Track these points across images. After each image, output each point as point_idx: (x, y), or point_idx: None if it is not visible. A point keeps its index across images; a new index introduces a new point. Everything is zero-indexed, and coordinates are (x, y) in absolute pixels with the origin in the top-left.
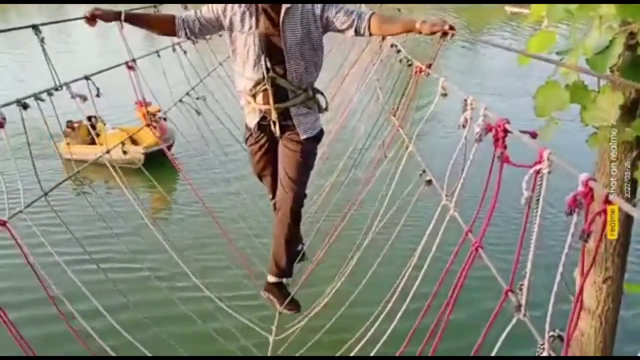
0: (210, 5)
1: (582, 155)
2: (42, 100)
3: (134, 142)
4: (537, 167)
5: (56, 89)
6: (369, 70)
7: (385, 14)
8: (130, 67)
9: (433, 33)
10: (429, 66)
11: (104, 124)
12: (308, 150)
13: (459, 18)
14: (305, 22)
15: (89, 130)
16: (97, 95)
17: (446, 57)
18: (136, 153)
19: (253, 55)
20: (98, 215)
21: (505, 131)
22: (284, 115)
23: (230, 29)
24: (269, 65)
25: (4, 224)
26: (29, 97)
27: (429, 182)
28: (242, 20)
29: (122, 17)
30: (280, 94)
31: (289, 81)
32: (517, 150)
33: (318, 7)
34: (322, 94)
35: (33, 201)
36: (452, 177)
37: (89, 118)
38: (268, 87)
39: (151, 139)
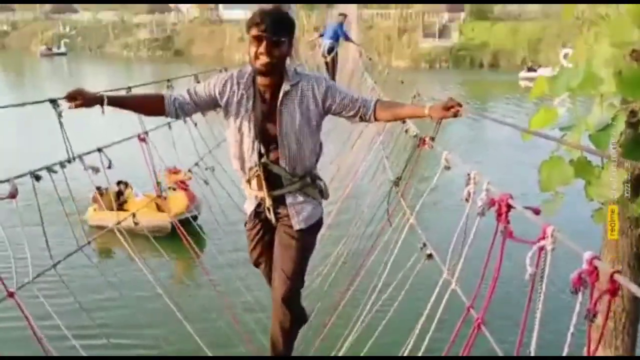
0: (206, 83)
1: (587, 228)
2: (55, 172)
3: (162, 209)
4: (541, 243)
5: (69, 161)
6: (375, 140)
7: (389, 91)
8: (142, 140)
9: (443, 116)
10: (433, 139)
11: (132, 190)
12: (304, 241)
13: (463, 92)
14: (305, 107)
15: (116, 196)
16: (109, 167)
17: (451, 127)
18: (163, 221)
19: (248, 139)
20: (109, 283)
21: (509, 206)
22: (279, 203)
23: (226, 110)
24: (262, 150)
25: (11, 295)
26: (41, 169)
27: (430, 255)
28: (239, 102)
29: (105, 102)
30: (274, 181)
31: (282, 168)
32: (519, 223)
33: (320, 92)
34: (321, 180)
35: (42, 272)
36: (453, 250)
37: (118, 183)
38: (260, 173)
39: (179, 207)
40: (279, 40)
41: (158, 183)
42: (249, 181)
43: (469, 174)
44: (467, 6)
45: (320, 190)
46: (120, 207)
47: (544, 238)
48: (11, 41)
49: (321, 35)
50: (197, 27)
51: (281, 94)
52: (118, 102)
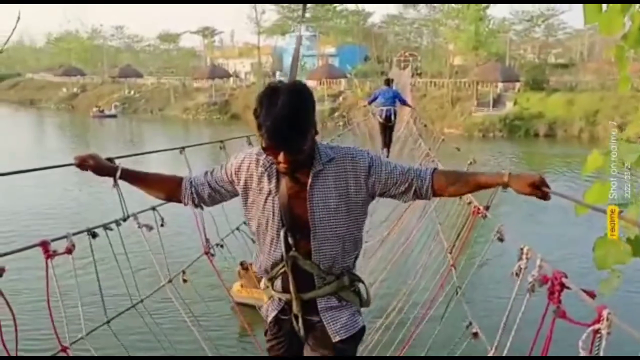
0: (224, 165)
1: None
2: (111, 229)
3: None
4: (596, 326)
5: (124, 220)
6: (429, 204)
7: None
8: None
9: (527, 193)
10: (487, 208)
11: None
12: (342, 356)
13: (517, 161)
14: (343, 188)
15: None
16: (162, 225)
17: (506, 198)
18: None
19: (272, 227)
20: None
21: (562, 285)
22: (310, 308)
23: (245, 193)
24: (290, 241)
25: (65, 349)
26: (98, 227)
27: (475, 334)
28: (260, 182)
29: (118, 174)
30: (304, 280)
31: (315, 264)
32: (569, 298)
33: (361, 168)
34: (361, 281)
35: (95, 328)
36: (496, 323)
37: (241, 264)
38: (288, 270)
39: None
40: (299, 149)
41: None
42: (271, 280)
43: (521, 248)
44: (523, 77)
45: (358, 294)
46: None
47: (599, 321)
48: (79, 103)
49: (371, 102)
50: (254, 92)
51: (312, 174)
52: (132, 177)
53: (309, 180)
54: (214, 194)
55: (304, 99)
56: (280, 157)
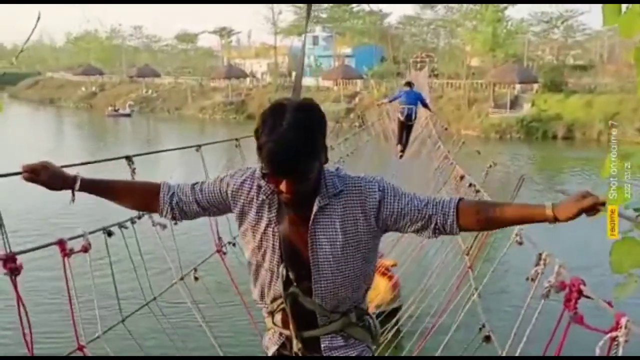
0: (217, 179)
1: None
2: (126, 227)
3: None
4: (613, 334)
5: (139, 218)
6: None
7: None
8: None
9: (576, 212)
10: None
11: None
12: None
13: (535, 163)
14: (351, 225)
15: None
16: (175, 224)
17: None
18: None
19: (270, 260)
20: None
21: (580, 292)
22: (312, 346)
23: (241, 219)
24: (291, 276)
25: (81, 348)
26: (114, 225)
27: (488, 338)
28: (259, 211)
29: (77, 186)
30: (305, 318)
31: (316, 303)
32: (585, 304)
33: (371, 203)
34: (370, 316)
35: (111, 327)
36: (512, 331)
37: None
38: (287, 307)
39: (382, 296)
40: (304, 178)
41: (219, 238)
42: (271, 314)
43: (540, 254)
44: (541, 78)
45: (368, 329)
46: None
47: (617, 329)
48: (98, 102)
49: (391, 101)
50: (270, 92)
51: (315, 209)
52: (96, 187)
53: (312, 215)
54: (202, 212)
55: (314, 119)
56: (283, 186)
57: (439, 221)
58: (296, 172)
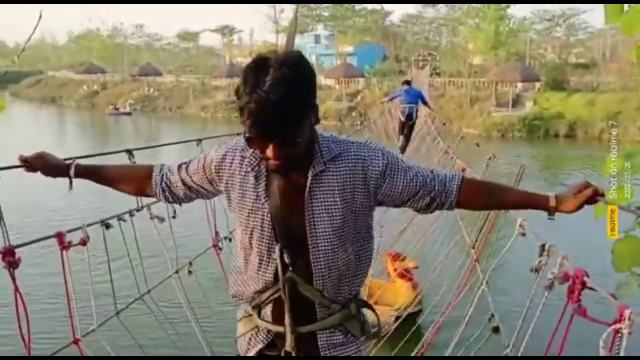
0: (202, 156)
1: None
2: (124, 220)
3: (375, 300)
4: (617, 326)
5: (137, 210)
6: None
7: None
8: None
9: (578, 205)
10: None
11: None
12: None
13: (537, 161)
14: (349, 193)
15: None
16: (174, 217)
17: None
18: (385, 315)
19: (260, 242)
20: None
21: (583, 284)
22: (307, 344)
23: (228, 197)
24: (287, 260)
25: (76, 342)
26: (112, 217)
27: (497, 329)
28: (244, 185)
29: (72, 172)
30: (302, 310)
31: (318, 290)
32: (588, 297)
33: (374, 173)
34: (371, 307)
35: (105, 320)
36: (519, 323)
37: None
38: (284, 296)
39: (403, 300)
40: (293, 141)
41: (216, 233)
42: (257, 307)
43: (542, 245)
44: (543, 76)
45: (363, 325)
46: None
47: (620, 321)
48: (100, 100)
49: (392, 99)
50: None
51: (310, 177)
52: (92, 172)
53: (308, 184)
54: (190, 194)
55: (301, 73)
56: (269, 151)
57: (440, 199)
58: (283, 135)
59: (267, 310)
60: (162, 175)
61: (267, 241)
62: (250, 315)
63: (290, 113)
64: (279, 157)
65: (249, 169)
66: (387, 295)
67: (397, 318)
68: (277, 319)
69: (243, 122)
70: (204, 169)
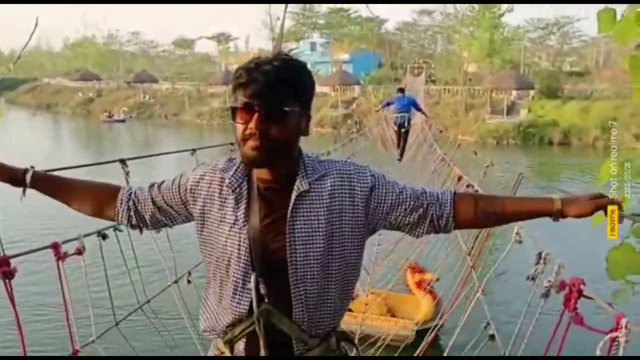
0: (176, 177)
1: None
2: (121, 231)
3: (393, 313)
4: (614, 334)
5: None
6: None
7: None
8: None
9: (590, 212)
10: None
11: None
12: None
13: (531, 169)
14: (336, 216)
15: None
16: (170, 227)
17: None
18: (406, 329)
19: (236, 270)
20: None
21: (580, 292)
22: None
23: (202, 221)
24: (262, 290)
25: (76, 353)
26: (108, 227)
27: (492, 337)
28: (223, 208)
29: (28, 180)
30: (277, 344)
31: (296, 323)
32: (584, 305)
33: (362, 191)
34: (351, 342)
35: (105, 331)
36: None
37: None
38: (259, 331)
39: (423, 312)
40: (280, 112)
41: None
42: (230, 343)
43: (539, 253)
44: (537, 84)
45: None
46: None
47: (617, 329)
48: (95, 107)
49: (385, 105)
50: None
51: (293, 196)
52: (49, 184)
53: (291, 204)
54: (158, 215)
55: (295, 67)
56: (252, 123)
57: (435, 213)
58: (272, 99)
59: (240, 346)
60: (130, 193)
61: (243, 270)
62: (222, 352)
63: (286, 81)
64: (261, 130)
65: (230, 190)
66: (407, 308)
67: (419, 331)
68: (251, 354)
69: (232, 89)
70: (179, 188)
